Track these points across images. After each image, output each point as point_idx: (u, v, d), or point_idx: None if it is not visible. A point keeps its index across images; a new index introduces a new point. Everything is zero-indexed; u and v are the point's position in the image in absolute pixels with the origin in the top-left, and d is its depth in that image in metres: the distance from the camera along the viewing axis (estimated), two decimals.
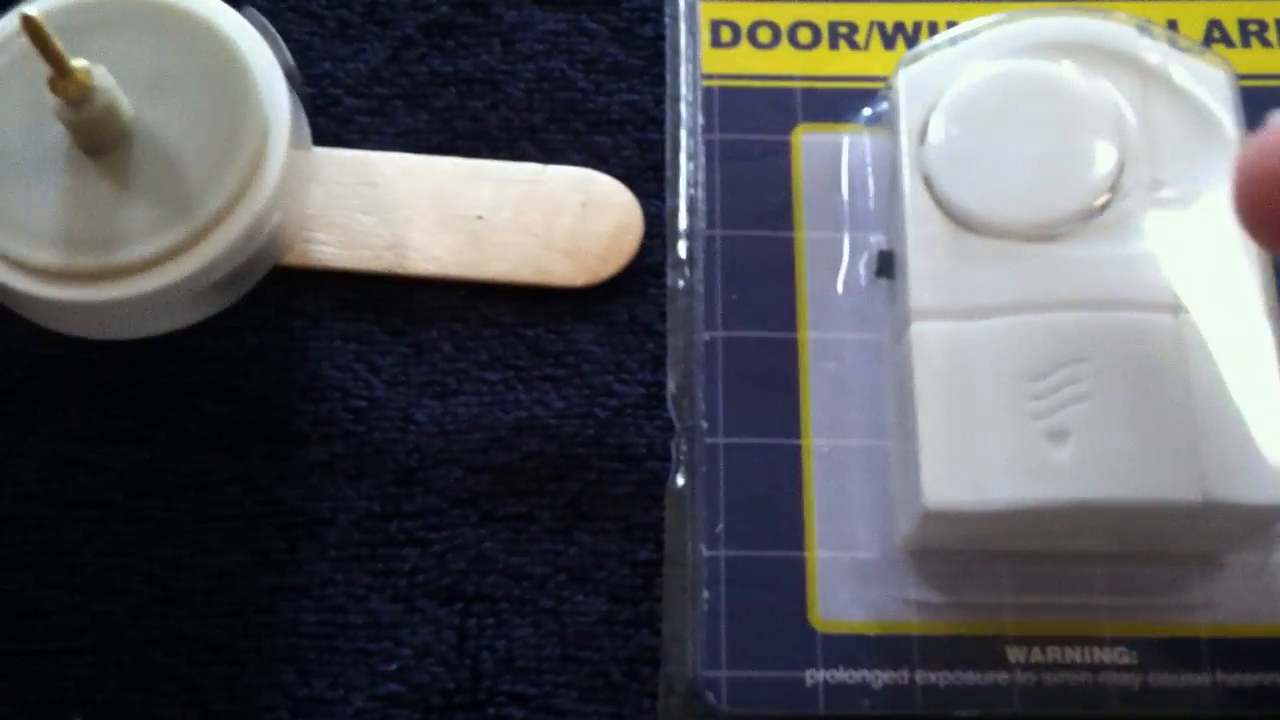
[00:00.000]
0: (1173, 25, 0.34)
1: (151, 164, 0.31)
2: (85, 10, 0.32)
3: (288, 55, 0.31)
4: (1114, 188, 0.29)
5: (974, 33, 0.32)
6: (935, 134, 0.30)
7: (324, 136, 0.34)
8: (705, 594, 0.29)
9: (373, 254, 0.34)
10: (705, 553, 0.30)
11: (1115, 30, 0.31)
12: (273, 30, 0.31)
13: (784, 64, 0.34)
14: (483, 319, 0.33)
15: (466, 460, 0.32)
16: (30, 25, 0.29)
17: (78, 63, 0.30)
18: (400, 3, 0.36)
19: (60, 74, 0.30)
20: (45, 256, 0.30)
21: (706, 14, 0.35)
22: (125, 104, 0.31)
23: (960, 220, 0.29)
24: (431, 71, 0.35)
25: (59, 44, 0.29)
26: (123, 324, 0.32)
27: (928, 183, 0.30)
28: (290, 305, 0.33)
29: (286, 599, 0.31)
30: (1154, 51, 0.31)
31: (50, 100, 0.30)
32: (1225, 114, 0.30)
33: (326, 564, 0.31)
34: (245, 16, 0.32)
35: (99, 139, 0.31)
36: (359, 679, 0.30)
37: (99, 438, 0.32)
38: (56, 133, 0.31)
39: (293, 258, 0.33)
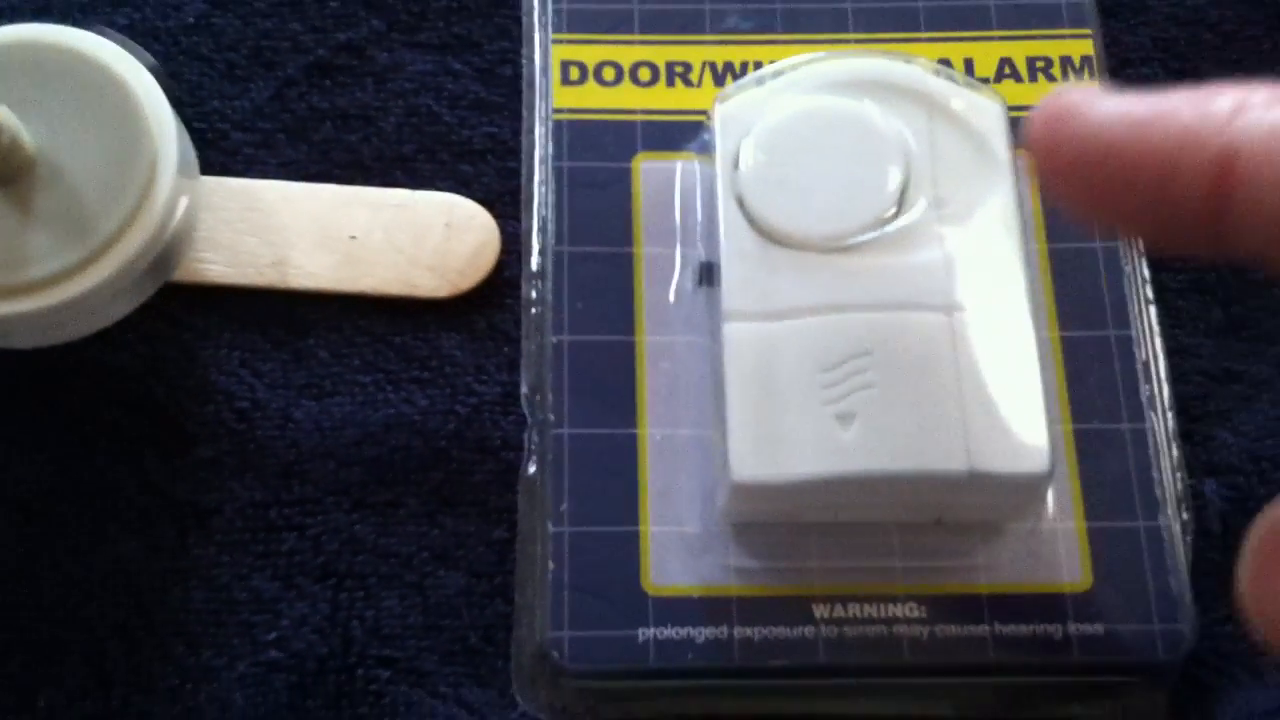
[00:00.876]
0: (969, 64, 0.39)
1: (52, 192, 0.35)
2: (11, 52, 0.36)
3: (150, 57, 0.35)
4: (899, 204, 0.34)
5: (782, 72, 0.36)
6: (745, 160, 0.35)
7: (213, 167, 0.38)
8: (551, 566, 0.33)
9: (256, 271, 0.37)
10: (552, 529, 0.34)
11: (904, 69, 0.36)
12: (130, 41, 0.35)
13: (626, 100, 0.39)
14: (356, 328, 0.37)
15: (341, 454, 0.36)
16: None
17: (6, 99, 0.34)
18: (283, 46, 0.40)
19: None
20: None
21: (557, 55, 0.39)
22: (27, 137, 0.35)
23: (767, 234, 0.34)
24: (311, 108, 0.39)
25: None
26: (25, 335, 0.35)
27: (740, 202, 0.34)
28: (181, 319, 0.37)
29: (177, 581, 0.34)
30: (938, 87, 0.36)
31: None
32: (998, 140, 0.35)
33: (214, 549, 0.35)
34: (98, 33, 0.36)
35: (4, 170, 0.35)
36: (242, 648, 0.34)
37: (11, 443, 0.35)
38: None
39: (183, 275, 0.37)
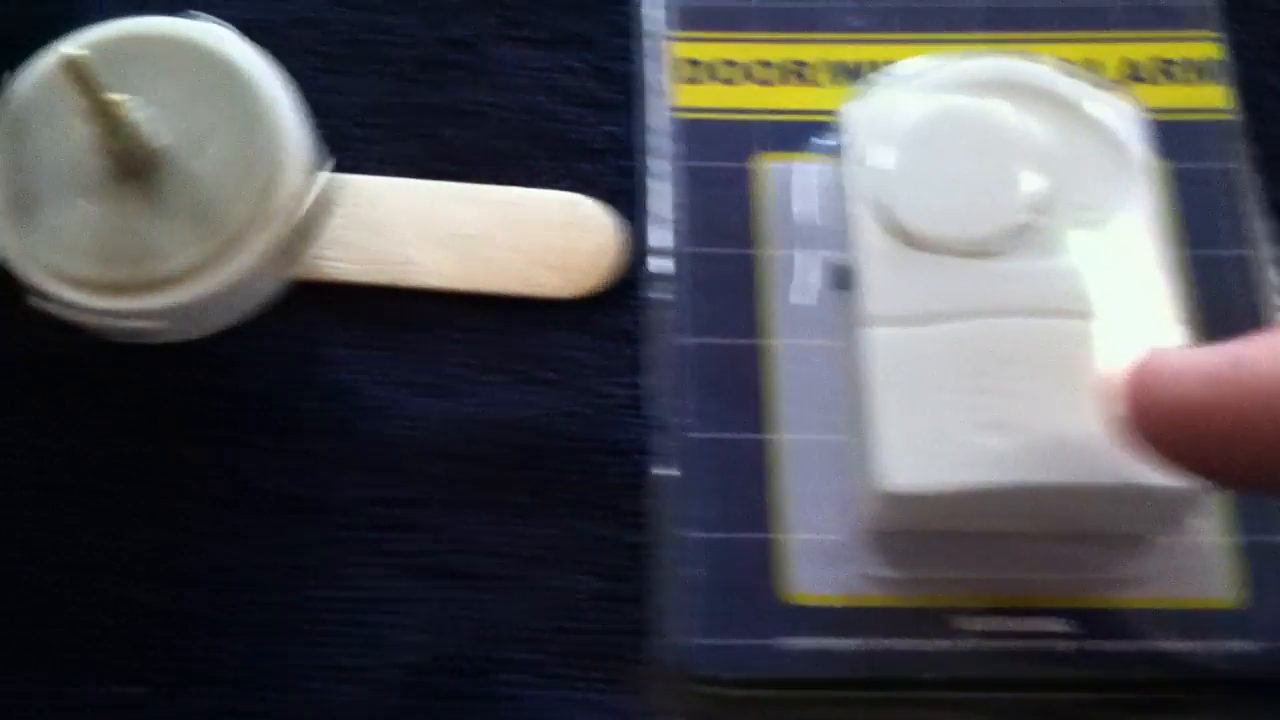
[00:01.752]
0: (1093, 65, 0.38)
1: (180, 187, 0.35)
2: (111, 47, 0.35)
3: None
4: (1037, 208, 0.33)
5: (915, 73, 0.36)
6: (882, 163, 0.34)
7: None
8: (684, 572, 0.33)
9: (377, 268, 0.37)
10: (684, 535, 0.33)
11: (1037, 70, 0.35)
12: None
13: (745, 99, 0.38)
14: (476, 327, 0.37)
15: (462, 452, 0.35)
16: (74, 67, 0.32)
17: (113, 97, 0.33)
18: (398, 41, 0.39)
19: (98, 109, 0.33)
20: (86, 269, 0.34)
21: (675, 52, 0.39)
22: (155, 133, 0.34)
23: (906, 238, 0.33)
24: (424, 103, 0.39)
25: (99, 82, 0.32)
26: (153, 330, 0.35)
27: (877, 205, 0.34)
28: (302, 316, 0.36)
29: (298, 577, 0.34)
30: (1072, 88, 0.35)
31: (99, 130, 0.33)
32: (1135, 144, 0.34)
33: (336, 546, 0.34)
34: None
35: (132, 165, 0.34)
36: (365, 646, 0.34)
37: (128, 433, 0.35)
38: (96, 159, 0.35)
39: (306, 272, 0.36)
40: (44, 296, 0.34)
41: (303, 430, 0.35)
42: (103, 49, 0.35)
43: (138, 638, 0.34)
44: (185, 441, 0.35)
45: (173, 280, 0.34)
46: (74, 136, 0.35)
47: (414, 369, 0.36)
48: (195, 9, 0.38)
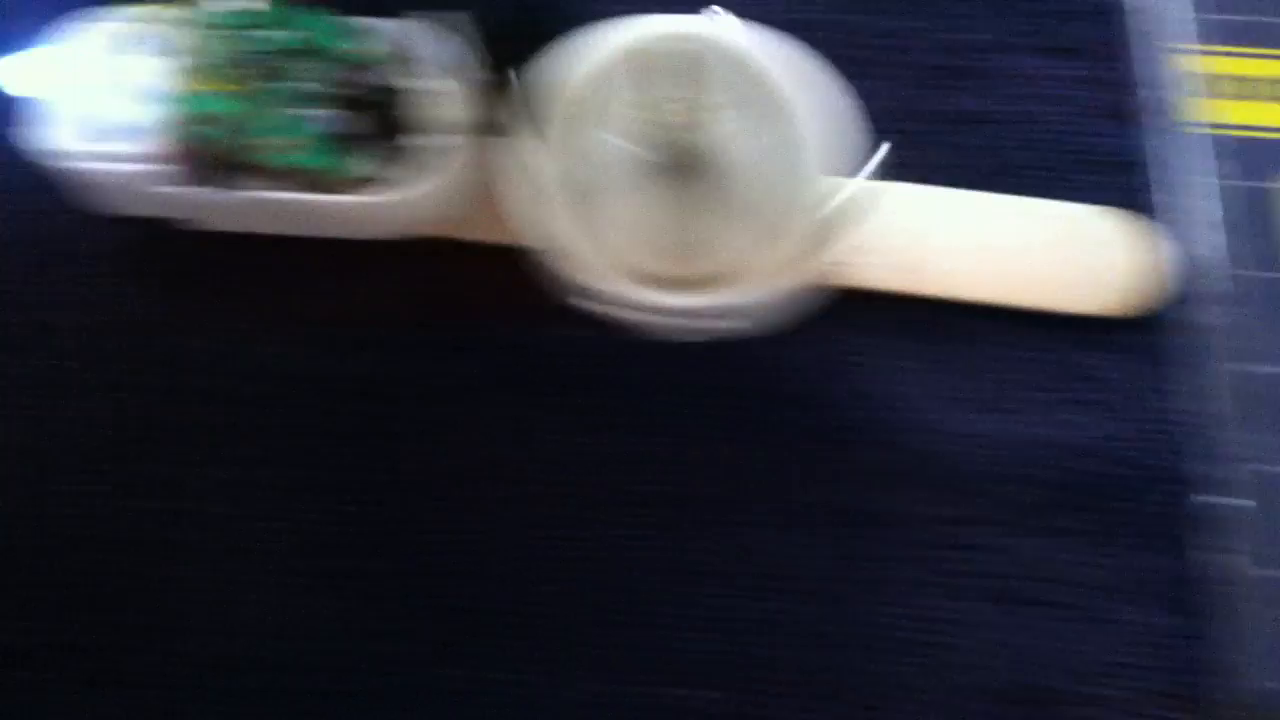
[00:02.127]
0: None
1: (740, 188, 0.34)
2: (648, 44, 0.35)
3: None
4: None
5: None
6: None
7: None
8: (1261, 610, 0.32)
9: (911, 276, 0.36)
10: (1258, 572, 0.32)
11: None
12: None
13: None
14: (1012, 342, 0.36)
15: (1003, 472, 0.34)
16: (697, 60, 0.32)
17: (670, 94, 0.33)
18: (911, 47, 0.38)
19: (691, 105, 0.32)
20: (644, 263, 0.33)
21: (1205, 67, 0.37)
22: (712, 131, 0.34)
23: None
24: (950, 110, 0.38)
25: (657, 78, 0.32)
26: (692, 326, 0.34)
27: None
28: (835, 321, 0.36)
29: (858, 590, 0.33)
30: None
31: (646, 125, 0.34)
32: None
33: (880, 560, 0.34)
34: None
35: (687, 161, 0.34)
36: (919, 667, 0.33)
37: (673, 435, 0.35)
38: (648, 153, 0.34)
39: (843, 278, 0.36)
40: (592, 293, 0.34)
41: (849, 440, 0.34)
42: (641, 46, 0.35)
43: (700, 643, 0.33)
44: (722, 443, 0.35)
45: (720, 277, 0.34)
46: (625, 131, 0.34)
47: (958, 383, 0.35)
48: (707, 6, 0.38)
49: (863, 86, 0.37)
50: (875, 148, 0.36)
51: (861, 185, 0.35)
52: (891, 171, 0.37)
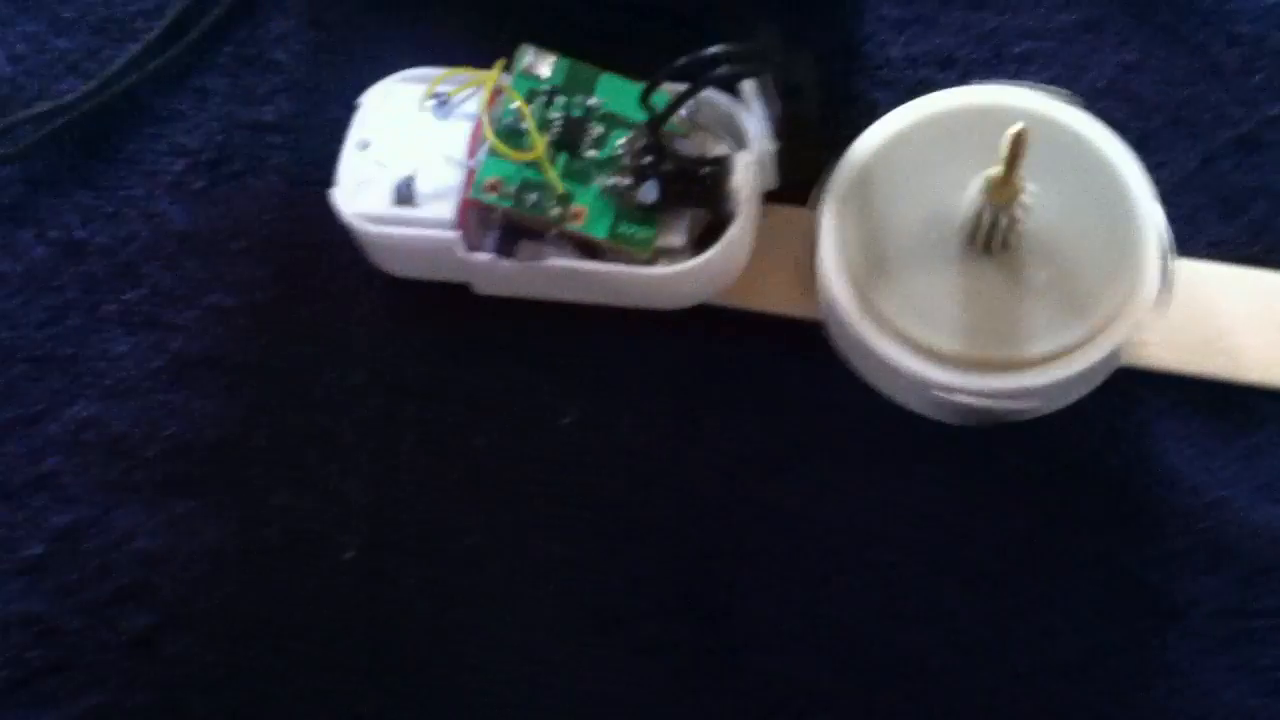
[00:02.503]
0: None
1: (1044, 266, 0.34)
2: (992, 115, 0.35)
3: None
4: None
5: None
6: None
7: None
8: None
9: (1205, 358, 0.35)
10: None
11: None
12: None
13: None
14: None
15: None
16: (1019, 137, 0.31)
17: (998, 168, 0.32)
18: (1206, 119, 0.38)
19: (1006, 182, 0.32)
20: (947, 344, 0.33)
21: None
22: (1029, 207, 0.34)
23: None
24: (1241, 184, 0.37)
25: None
26: (993, 409, 0.34)
27: None
28: (1129, 401, 0.35)
29: (1155, 680, 0.33)
30: None
31: (967, 199, 0.33)
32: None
33: (1185, 650, 0.33)
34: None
35: (998, 240, 0.34)
36: None
37: (969, 507, 0.35)
38: (951, 229, 0.34)
39: (1130, 359, 0.35)
40: (885, 371, 0.34)
41: (1146, 520, 0.34)
42: (955, 114, 0.35)
43: None
44: (1013, 523, 0.35)
45: (1037, 362, 0.33)
46: (931, 204, 0.34)
47: (1250, 468, 0.35)
48: (993, 74, 0.38)
49: (1151, 160, 0.37)
50: (1171, 223, 0.35)
51: (1163, 265, 0.34)
52: (1181, 248, 0.36)
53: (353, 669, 0.34)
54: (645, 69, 0.36)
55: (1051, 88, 0.36)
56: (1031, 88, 0.36)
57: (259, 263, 0.39)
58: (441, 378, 0.37)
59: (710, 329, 0.37)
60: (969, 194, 0.34)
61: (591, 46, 0.38)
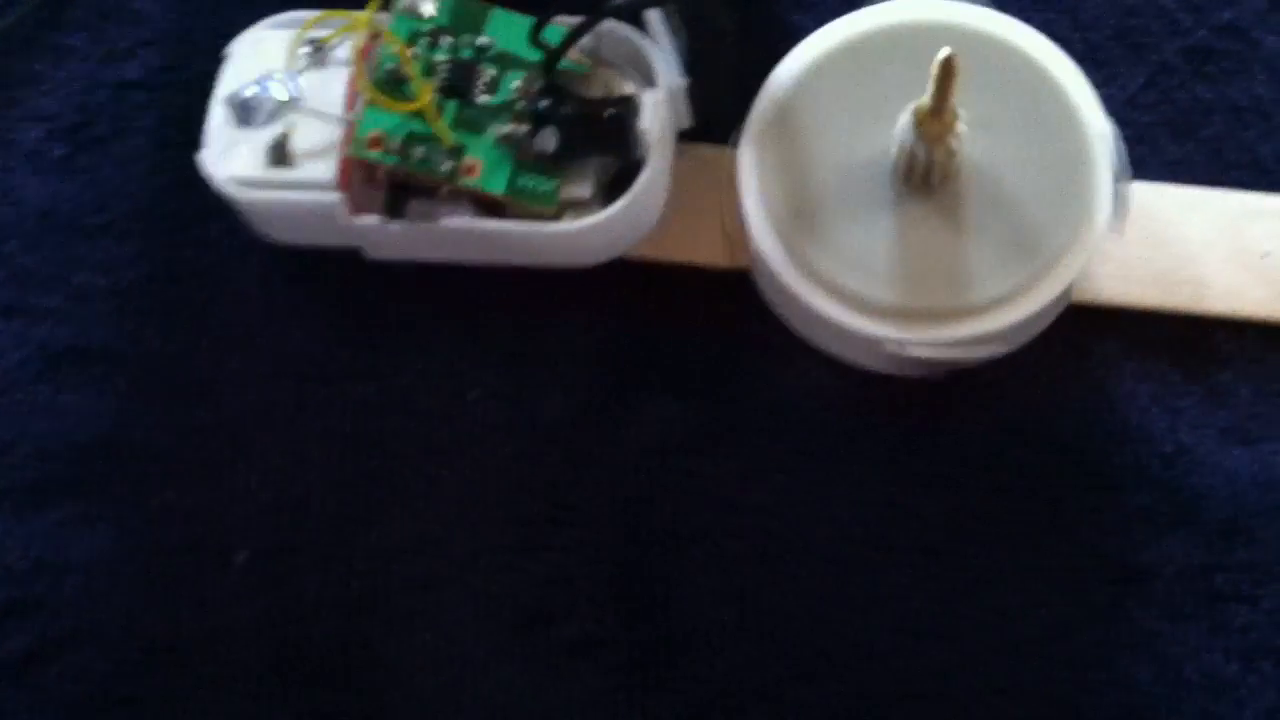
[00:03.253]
0: None
1: (983, 202, 0.31)
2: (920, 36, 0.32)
3: None
4: None
5: None
6: None
7: None
8: None
9: (1161, 291, 0.33)
10: None
11: None
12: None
13: None
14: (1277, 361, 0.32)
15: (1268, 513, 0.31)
16: (948, 64, 0.28)
17: (930, 96, 0.29)
18: (1154, 28, 0.35)
19: (937, 114, 0.29)
20: (887, 295, 0.30)
21: None
22: (968, 139, 0.30)
23: None
24: (1194, 99, 0.34)
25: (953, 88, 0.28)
26: (941, 360, 0.31)
27: None
28: (1080, 344, 0.32)
29: (1119, 653, 0.30)
30: None
31: (897, 134, 0.30)
32: None
33: (1154, 617, 0.30)
34: None
35: (935, 177, 0.30)
36: None
37: (915, 478, 0.31)
38: (882, 167, 0.31)
39: (1082, 295, 0.32)
40: (818, 326, 0.31)
41: (1102, 483, 0.31)
42: (877, 38, 0.32)
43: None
44: (971, 491, 0.32)
45: (979, 309, 0.30)
46: (856, 141, 0.31)
47: (1214, 411, 0.32)
48: None
49: (1093, 76, 0.34)
50: (1128, 145, 0.32)
51: (1117, 189, 0.31)
52: (1141, 171, 0.33)
53: (260, 683, 0.31)
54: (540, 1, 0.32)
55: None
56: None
57: (127, 238, 0.35)
58: (332, 356, 0.34)
59: (628, 286, 0.33)
60: (899, 127, 0.30)
61: None
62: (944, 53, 0.27)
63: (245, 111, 0.31)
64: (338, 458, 0.33)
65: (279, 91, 0.31)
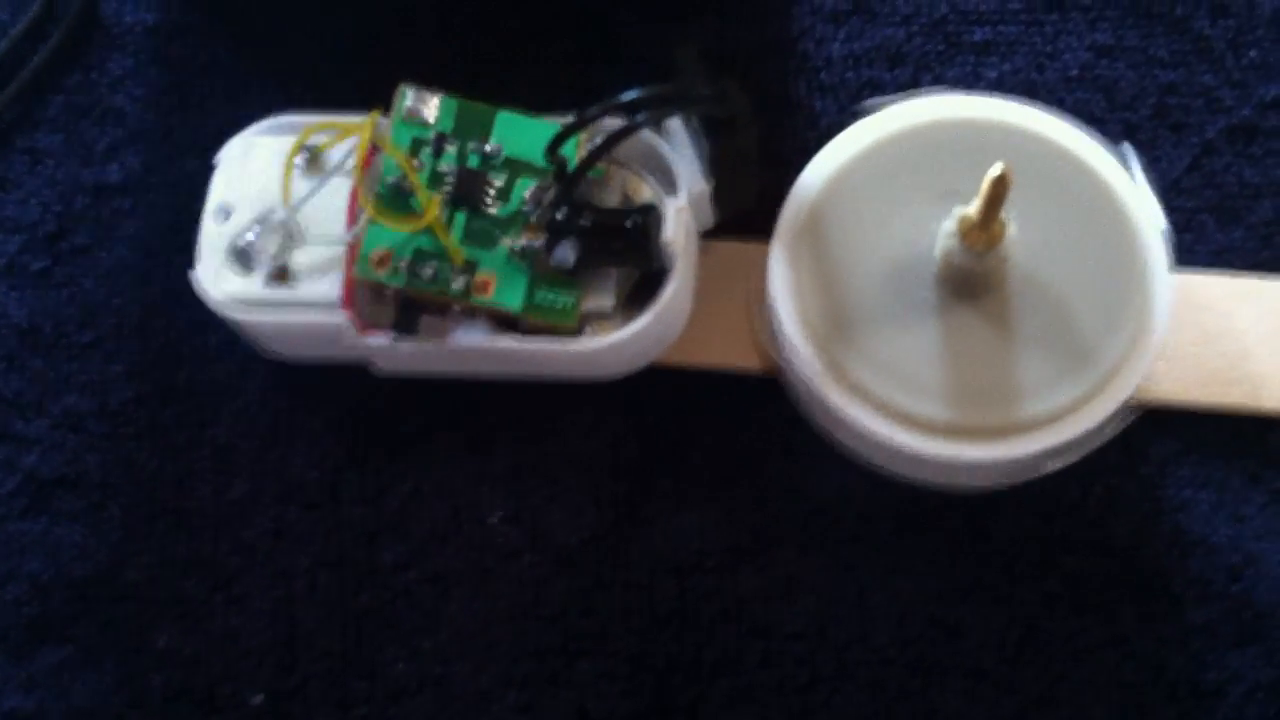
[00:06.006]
0: None
1: (1033, 308, 0.29)
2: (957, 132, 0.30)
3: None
4: None
5: None
6: None
7: None
8: None
9: (1219, 388, 0.31)
10: None
11: None
12: None
13: None
14: None
15: None
16: (1001, 180, 0.26)
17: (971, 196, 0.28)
18: (1195, 106, 0.33)
19: (985, 226, 0.27)
20: (933, 409, 0.28)
21: None
22: (1013, 241, 0.29)
23: None
24: (1241, 182, 0.32)
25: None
26: (988, 478, 0.30)
27: None
28: (1134, 446, 0.30)
29: None
30: None
31: (941, 240, 0.29)
32: None
33: None
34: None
35: (979, 285, 0.29)
36: None
37: (960, 593, 0.30)
38: (923, 272, 0.29)
39: (1143, 394, 0.30)
40: (853, 439, 0.29)
41: (1162, 593, 0.29)
42: (913, 134, 0.30)
43: None
44: (1045, 608, 0.30)
45: (1036, 424, 0.28)
46: (893, 245, 0.30)
47: (1277, 517, 0.30)
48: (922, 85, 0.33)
49: (1138, 159, 0.32)
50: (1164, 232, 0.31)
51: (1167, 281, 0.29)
52: (1187, 258, 0.31)
53: None
54: (548, 92, 0.30)
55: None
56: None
57: (116, 356, 0.33)
58: (339, 481, 0.32)
59: (651, 394, 0.31)
60: (942, 234, 0.28)
61: (485, 71, 0.33)
62: (997, 169, 0.26)
63: (244, 259, 0.29)
64: (337, 590, 0.31)
65: (273, 242, 0.29)
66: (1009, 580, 0.30)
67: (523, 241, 0.30)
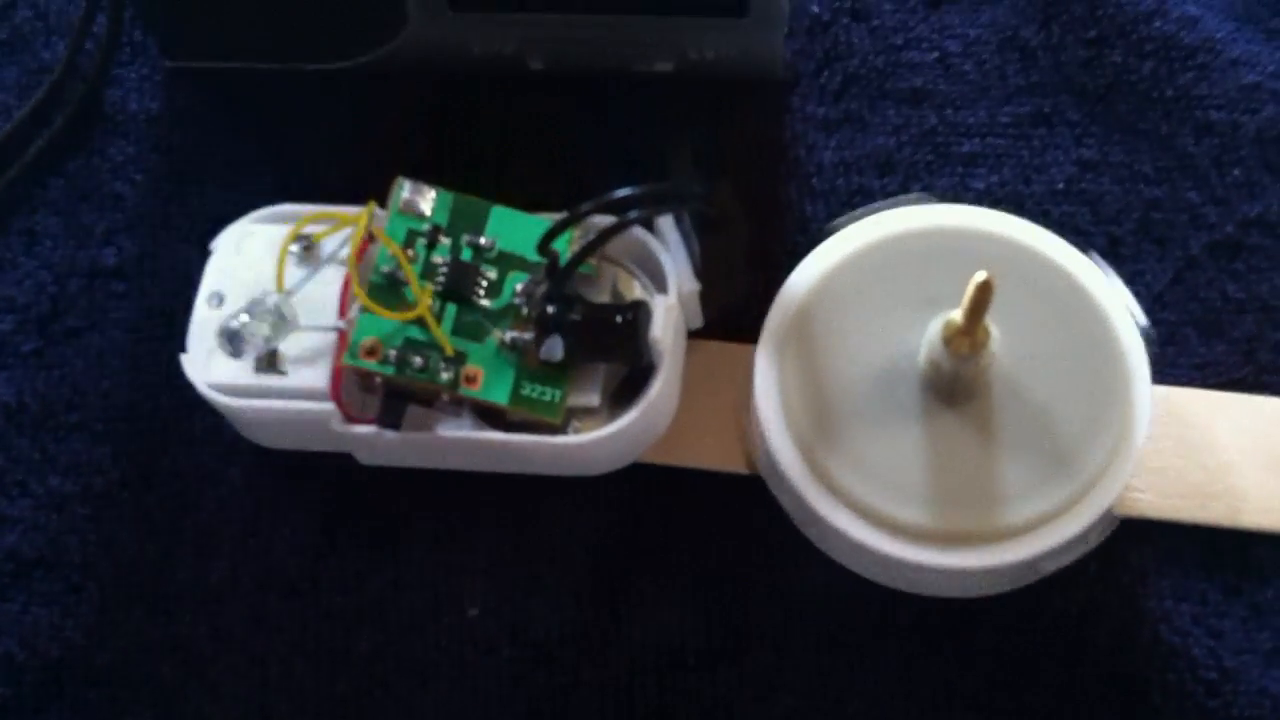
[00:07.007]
0: None
1: (1016, 416, 0.29)
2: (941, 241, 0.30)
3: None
4: None
5: None
6: None
7: None
8: None
9: (1198, 504, 0.31)
10: None
11: None
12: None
13: None
14: None
15: None
16: (985, 287, 0.26)
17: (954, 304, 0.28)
18: (1179, 222, 0.33)
19: (969, 331, 0.27)
20: (915, 515, 0.28)
21: None
22: (995, 348, 0.29)
23: None
24: (1224, 297, 0.33)
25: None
26: (966, 586, 0.30)
27: None
28: (1115, 556, 0.30)
29: None
30: None
31: (925, 345, 0.29)
32: None
33: None
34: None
35: (962, 390, 0.29)
36: None
37: (938, 700, 0.29)
38: (907, 376, 0.29)
39: (1121, 507, 0.31)
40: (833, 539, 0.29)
41: (1142, 706, 0.29)
42: (898, 243, 0.30)
43: None
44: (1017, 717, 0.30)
45: (1016, 531, 0.28)
46: (878, 349, 0.30)
47: (1257, 632, 0.30)
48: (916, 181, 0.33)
49: (1121, 273, 0.32)
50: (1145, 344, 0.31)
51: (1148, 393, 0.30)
52: (1166, 372, 0.32)
53: None
54: (539, 189, 0.31)
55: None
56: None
57: (102, 439, 0.33)
58: (320, 569, 0.31)
59: (634, 490, 0.31)
60: (926, 340, 0.29)
61: (483, 167, 0.34)
62: (980, 276, 0.26)
63: (235, 340, 0.29)
64: (314, 679, 0.31)
65: (265, 325, 0.29)
66: (989, 688, 0.30)
67: (511, 335, 0.30)
